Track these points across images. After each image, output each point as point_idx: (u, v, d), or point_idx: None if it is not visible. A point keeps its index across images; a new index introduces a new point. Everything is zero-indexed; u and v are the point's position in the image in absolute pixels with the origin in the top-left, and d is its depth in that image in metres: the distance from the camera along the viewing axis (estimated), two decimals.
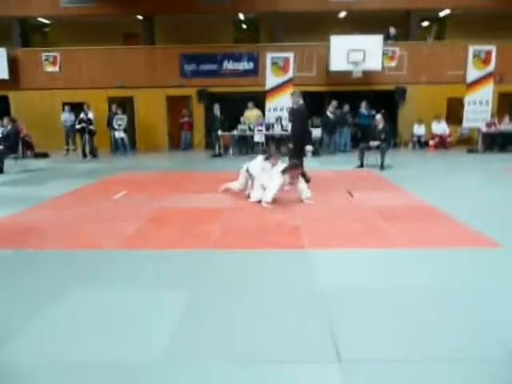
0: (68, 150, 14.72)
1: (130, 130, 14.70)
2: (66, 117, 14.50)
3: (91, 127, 13.58)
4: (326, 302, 3.16)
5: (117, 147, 14.36)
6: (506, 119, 13.56)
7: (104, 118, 14.35)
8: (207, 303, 3.20)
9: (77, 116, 13.83)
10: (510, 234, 4.73)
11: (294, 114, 7.79)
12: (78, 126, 13.63)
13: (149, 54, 15.47)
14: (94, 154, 13.54)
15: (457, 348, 2.55)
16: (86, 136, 13.46)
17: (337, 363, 2.41)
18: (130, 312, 3.07)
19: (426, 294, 3.30)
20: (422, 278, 3.62)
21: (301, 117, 7.87)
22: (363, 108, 14.27)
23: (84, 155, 13.46)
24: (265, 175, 6.50)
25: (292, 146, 7.73)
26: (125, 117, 14.30)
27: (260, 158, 6.90)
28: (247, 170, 6.78)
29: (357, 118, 14.42)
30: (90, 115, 13.74)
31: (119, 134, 14.12)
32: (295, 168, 6.40)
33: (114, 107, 14.33)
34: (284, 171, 6.29)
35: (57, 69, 15.51)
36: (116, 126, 14.10)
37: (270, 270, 3.86)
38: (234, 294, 3.37)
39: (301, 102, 7.81)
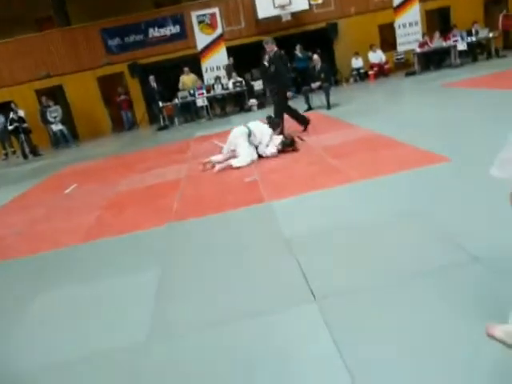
0: (6, 153, 13.95)
1: (67, 120, 14.00)
2: None
3: (25, 125, 12.86)
4: (292, 247, 3.21)
5: (57, 141, 13.72)
6: (437, 35, 13.78)
7: (36, 114, 13.59)
8: (179, 276, 3.20)
9: (6, 117, 13.01)
10: (457, 148, 4.90)
11: (275, 61, 7.51)
12: (10, 127, 12.85)
13: (67, 36, 14.54)
14: (35, 152, 12.91)
15: (422, 262, 2.68)
16: (22, 136, 12.76)
17: (313, 303, 2.48)
18: (106, 301, 3.03)
19: (386, 220, 3.41)
20: (380, 206, 3.73)
21: (283, 62, 7.72)
22: (298, 51, 14.13)
23: (25, 156, 12.82)
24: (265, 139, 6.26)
25: (281, 94, 7.48)
26: (58, 107, 13.59)
27: (259, 122, 6.48)
28: (248, 130, 6.19)
29: (294, 62, 14.28)
30: (21, 113, 12.96)
31: (57, 127, 13.45)
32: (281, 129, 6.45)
33: (43, 99, 13.56)
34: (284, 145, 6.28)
35: None
36: (51, 119, 13.39)
37: (233, 230, 3.87)
38: (203, 260, 3.37)
39: (275, 48, 7.61)
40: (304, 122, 7.64)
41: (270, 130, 6.34)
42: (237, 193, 4.91)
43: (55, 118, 13.43)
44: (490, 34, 13.44)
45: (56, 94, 14.37)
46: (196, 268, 3.26)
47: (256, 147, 6.23)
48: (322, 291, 2.57)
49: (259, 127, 6.31)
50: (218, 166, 6.05)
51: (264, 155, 6.19)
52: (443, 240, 2.89)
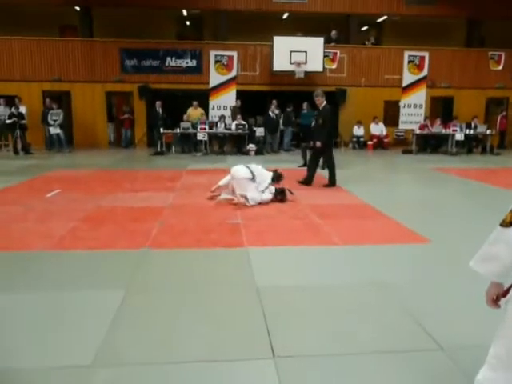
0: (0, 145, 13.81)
1: (66, 125, 14.00)
2: (1, 110, 13.47)
3: (23, 122, 12.83)
4: (262, 299, 3.17)
5: (52, 144, 13.65)
6: (438, 122, 14.35)
7: (38, 113, 13.60)
8: (141, 303, 3.11)
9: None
10: (438, 230, 4.99)
11: (325, 114, 7.81)
12: (8, 121, 12.79)
13: (87, 47, 14.82)
14: (26, 150, 12.79)
15: (386, 339, 2.65)
16: (18, 131, 12.69)
17: (271, 359, 2.42)
18: (59, 315, 2.92)
19: (358, 289, 3.40)
20: (354, 273, 3.73)
21: (330, 117, 7.95)
22: (305, 108, 14.53)
23: (16, 152, 12.69)
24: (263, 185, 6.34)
25: (319, 144, 7.76)
26: (60, 112, 13.61)
27: (260, 166, 6.57)
28: (250, 172, 6.28)
29: (299, 118, 14.68)
30: (22, 109, 12.97)
31: (54, 130, 13.40)
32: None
33: (47, 101, 13.62)
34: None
35: None
36: (51, 122, 13.38)
37: (207, 269, 3.82)
38: (169, 293, 3.30)
39: (325, 102, 7.87)
40: (333, 181, 7.79)
41: (269, 177, 6.42)
42: (218, 232, 4.88)
43: (55, 121, 13.41)
44: (488, 131, 14.02)
45: (62, 99, 14.45)
46: (160, 300, 3.18)
47: None
48: (282, 349, 2.51)
49: (260, 171, 6.41)
50: (223, 196, 6.24)
51: (259, 199, 6.20)
52: (411, 320, 2.88)
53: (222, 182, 6.45)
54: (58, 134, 13.48)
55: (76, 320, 2.86)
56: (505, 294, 1.63)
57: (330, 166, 7.86)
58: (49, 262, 3.91)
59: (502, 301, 1.65)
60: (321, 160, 9.89)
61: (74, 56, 14.68)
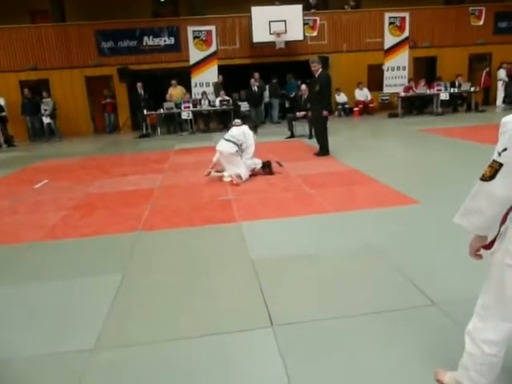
0: None
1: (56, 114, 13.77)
2: None
3: (3, 114, 12.59)
4: (257, 271, 3.21)
5: (43, 133, 13.47)
6: (422, 83, 14.29)
7: (17, 105, 13.33)
8: (138, 285, 3.14)
9: None
10: (427, 191, 5.05)
11: (322, 81, 7.54)
12: None
13: (61, 32, 14.40)
14: (9, 142, 12.60)
15: (379, 300, 2.71)
16: None
17: (269, 328, 2.48)
18: (61, 302, 2.95)
19: (351, 253, 3.46)
20: (347, 239, 3.79)
21: (329, 83, 7.76)
22: (291, 79, 14.40)
23: None
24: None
25: (326, 113, 7.60)
26: (50, 100, 13.39)
27: (242, 129, 6.38)
28: (235, 144, 6.17)
29: (286, 89, 14.59)
30: (0, 101, 12.69)
31: (46, 120, 13.22)
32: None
33: (26, 91, 13.34)
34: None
35: None
36: (42, 111, 13.18)
37: (201, 246, 3.84)
38: (165, 272, 3.33)
39: (321, 68, 7.67)
40: (325, 151, 7.75)
41: (251, 138, 6.28)
42: (209, 210, 4.90)
43: (45, 110, 13.22)
44: (472, 89, 14.02)
45: (41, 88, 14.14)
46: (157, 280, 3.21)
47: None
48: (279, 318, 2.57)
49: (243, 136, 6.25)
50: (213, 173, 6.25)
51: (249, 173, 6.24)
52: (403, 279, 2.95)
53: (215, 159, 6.39)
54: (49, 124, 13.30)
55: (76, 306, 2.89)
56: (489, 246, 1.67)
57: (323, 135, 7.79)
58: (42, 253, 3.91)
59: (487, 253, 1.70)
60: (309, 129, 9.89)
61: (48, 43, 14.30)
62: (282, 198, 5.21)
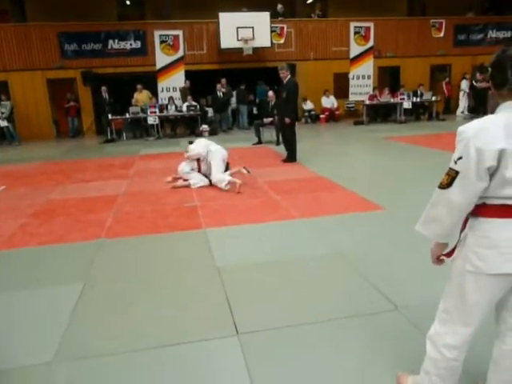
0: None
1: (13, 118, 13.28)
2: None
3: None
4: (223, 278, 3.18)
5: (4, 137, 12.95)
6: (386, 91, 14.66)
7: None
8: (100, 294, 3.05)
9: None
10: (391, 198, 5.15)
11: (290, 88, 7.54)
12: None
13: (21, 33, 13.91)
14: None
15: (343, 305, 2.73)
16: None
17: (235, 336, 2.45)
18: (18, 313, 2.83)
19: (317, 259, 3.48)
20: (313, 245, 3.81)
21: (295, 91, 7.73)
22: (262, 85, 14.45)
23: None
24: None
25: (288, 121, 7.56)
26: (8, 103, 12.91)
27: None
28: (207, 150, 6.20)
29: (255, 95, 14.66)
30: None
31: (3, 123, 12.72)
32: None
33: None
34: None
35: None
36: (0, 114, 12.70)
37: (166, 254, 3.78)
38: (128, 281, 3.24)
39: (289, 75, 7.67)
40: (292, 157, 7.77)
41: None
42: (175, 216, 4.82)
43: (3, 113, 12.71)
44: (433, 98, 14.49)
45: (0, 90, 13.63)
46: (120, 288, 3.12)
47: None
48: (245, 326, 2.54)
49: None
50: (179, 182, 6.21)
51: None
52: (367, 285, 2.98)
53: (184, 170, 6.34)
54: (7, 127, 12.81)
55: (34, 318, 2.77)
56: (450, 254, 1.70)
57: (291, 142, 7.83)
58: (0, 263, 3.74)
59: (448, 260, 1.73)
60: (279, 135, 9.91)
61: (7, 43, 13.79)
62: (248, 204, 5.19)
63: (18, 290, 3.20)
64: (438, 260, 1.73)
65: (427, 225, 1.65)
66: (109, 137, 12.82)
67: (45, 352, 2.38)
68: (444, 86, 15.97)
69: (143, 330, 2.57)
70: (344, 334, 2.44)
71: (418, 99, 14.42)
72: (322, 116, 15.34)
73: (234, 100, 14.46)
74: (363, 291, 2.91)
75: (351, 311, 2.67)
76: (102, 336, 2.52)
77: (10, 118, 12.93)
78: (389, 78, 16.96)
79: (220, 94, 13.67)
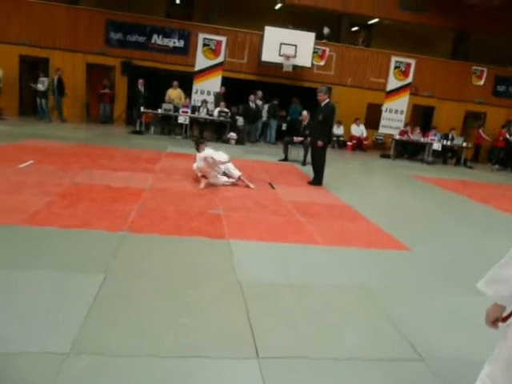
0: None
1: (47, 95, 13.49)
2: None
3: None
4: (244, 294, 3.11)
5: (36, 112, 13.22)
6: (417, 129, 14.57)
7: (15, 78, 13.02)
8: (120, 290, 3.00)
9: None
10: (417, 239, 5.04)
11: (326, 111, 7.58)
12: None
13: (71, 14, 14.22)
14: None
15: (366, 345, 2.64)
16: None
17: (255, 360, 2.37)
18: (34, 297, 2.78)
19: (341, 290, 3.39)
20: (336, 275, 3.73)
21: (331, 115, 7.77)
22: (298, 105, 14.46)
23: None
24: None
25: (321, 144, 7.58)
26: (46, 80, 13.15)
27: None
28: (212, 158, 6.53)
29: (286, 111, 14.70)
30: None
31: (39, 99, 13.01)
32: None
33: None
34: None
35: None
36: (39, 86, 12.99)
37: (188, 258, 3.73)
38: (149, 280, 3.19)
39: (328, 99, 7.67)
40: (319, 180, 7.71)
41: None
42: (198, 221, 4.77)
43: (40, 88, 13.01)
44: (464, 144, 14.35)
45: (39, 66, 13.85)
46: (140, 286, 3.07)
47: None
48: (266, 350, 2.47)
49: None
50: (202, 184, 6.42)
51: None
52: (392, 327, 2.89)
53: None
54: (40, 103, 13.07)
55: (54, 302, 2.72)
56: (505, 319, 1.63)
57: (321, 165, 7.76)
58: (22, 239, 3.72)
59: (503, 325, 1.65)
60: (306, 155, 9.87)
61: (56, 22, 14.06)
62: (272, 221, 5.13)
63: (39, 268, 3.17)
64: (494, 323, 1.65)
65: (493, 285, 1.58)
66: (137, 128, 12.92)
67: (61, 342, 2.33)
68: (482, 133, 15.71)
69: (161, 335, 2.50)
70: (366, 377, 2.35)
71: (449, 142, 14.28)
72: (348, 143, 15.28)
73: (264, 113, 14.50)
74: (388, 333, 2.82)
75: (375, 353, 2.57)
76: (120, 335, 2.46)
77: (45, 94, 13.14)
78: (421, 117, 16.89)
79: (253, 105, 13.71)
